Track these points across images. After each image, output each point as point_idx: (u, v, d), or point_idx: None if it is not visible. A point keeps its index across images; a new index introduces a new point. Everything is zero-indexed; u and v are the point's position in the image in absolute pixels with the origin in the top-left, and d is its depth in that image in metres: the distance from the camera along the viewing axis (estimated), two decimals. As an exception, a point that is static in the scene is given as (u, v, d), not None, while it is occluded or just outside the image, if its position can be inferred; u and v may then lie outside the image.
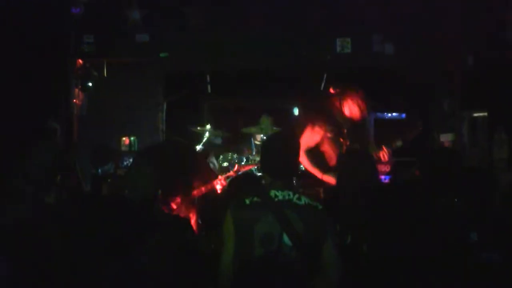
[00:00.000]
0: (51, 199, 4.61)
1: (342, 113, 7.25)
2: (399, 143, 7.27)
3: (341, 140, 7.09)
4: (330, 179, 6.98)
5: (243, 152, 10.28)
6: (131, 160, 9.34)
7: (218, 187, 7.66)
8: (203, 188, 7.48)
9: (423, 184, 5.26)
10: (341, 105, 7.22)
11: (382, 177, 8.92)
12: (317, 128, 7.30)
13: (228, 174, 7.95)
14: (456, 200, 5.08)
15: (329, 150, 7.30)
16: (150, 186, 4.57)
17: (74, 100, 9.41)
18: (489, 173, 5.98)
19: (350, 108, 7.24)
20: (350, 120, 7.21)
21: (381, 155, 7.23)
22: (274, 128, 9.43)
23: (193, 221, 7.29)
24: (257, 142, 9.93)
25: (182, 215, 5.40)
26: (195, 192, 7.40)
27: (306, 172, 7.41)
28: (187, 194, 7.14)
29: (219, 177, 7.74)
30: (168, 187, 6.99)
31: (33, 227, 3.85)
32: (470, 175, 5.26)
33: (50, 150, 4.78)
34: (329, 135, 7.26)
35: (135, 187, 4.53)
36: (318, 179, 7.19)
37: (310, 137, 7.35)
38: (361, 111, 7.26)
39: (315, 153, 7.30)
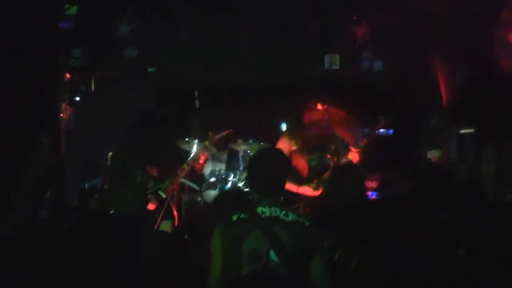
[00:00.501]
0: (44, 214, 4.60)
1: (328, 128, 7.25)
2: (364, 142, 7.25)
3: (328, 156, 7.09)
4: (306, 191, 6.99)
5: (230, 168, 10.27)
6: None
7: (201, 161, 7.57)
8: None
9: (411, 200, 5.26)
10: (328, 121, 7.23)
11: (370, 193, 8.93)
12: (284, 141, 7.32)
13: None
14: (444, 215, 5.09)
15: (299, 162, 7.30)
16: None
17: (62, 115, 9.36)
18: (477, 188, 6.00)
19: (339, 124, 7.25)
20: (336, 136, 7.22)
21: (350, 156, 7.22)
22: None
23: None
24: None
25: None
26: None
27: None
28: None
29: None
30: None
31: (26, 242, 3.83)
32: (459, 190, 5.27)
33: (40, 165, 4.78)
34: (293, 148, 7.27)
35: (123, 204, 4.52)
36: (295, 193, 7.18)
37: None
38: (350, 125, 7.28)
39: None
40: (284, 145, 7.31)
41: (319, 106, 7.35)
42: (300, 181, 7.19)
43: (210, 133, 7.47)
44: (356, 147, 7.21)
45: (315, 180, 7.05)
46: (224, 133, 7.51)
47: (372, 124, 7.45)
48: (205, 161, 7.52)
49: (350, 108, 7.66)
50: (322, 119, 7.25)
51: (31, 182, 4.65)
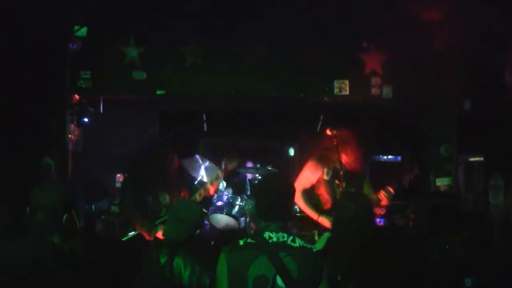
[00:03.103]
0: (56, 238, 4.56)
1: (338, 155, 7.21)
2: (394, 188, 7.24)
3: (337, 182, 7.05)
4: (325, 222, 6.93)
5: (237, 192, 10.23)
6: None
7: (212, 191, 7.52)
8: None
9: (418, 228, 5.22)
10: (337, 147, 7.18)
11: (377, 219, 8.87)
12: (313, 169, 7.26)
13: (211, 179, 7.78)
14: (450, 244, 5.04)
15: (324, 193, 7.26)
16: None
17: (70, 136, 9.35)
18: (485, 218, 5.95)
19: (346, 152, 7.21)
20: (346, 163, 7.17)
21: (380, 197, 7.20)
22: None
23: None
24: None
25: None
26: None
27: (301, 214, 7.35)
28: None
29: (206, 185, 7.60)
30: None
31: (38, 266, 3.80)
32: (467, 219, 5.22)
33: (56, 191, 4.74)
34: (325, 177, 7.21)
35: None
36: (312, 221, 7.13)
37: (307, 178, 7.31)
38: (357, 154, 7.24)
39: (310, 195, 7.24)
40: (314, 170, 7.27)
41: (328, 132, 7.31)
42: (321, 211, 7.13)
43: (223, 163, 7.45)
44: (386, 192, 7.20)
45: None
46: (236, 163, 7.48)
47: (405, 173, 7.44)
48: (216, 191, 7.51)
49: (358, 134, 7.60)
50: (331, 145, 7.20)
51: (46, 207, 4.61)
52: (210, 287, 4.77)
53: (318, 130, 9.28)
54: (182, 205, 5.35)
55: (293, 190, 4.50)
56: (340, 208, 4.84)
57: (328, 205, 7.23)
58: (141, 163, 7.67)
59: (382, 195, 7.18)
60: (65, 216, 4.73)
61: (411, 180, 7.37)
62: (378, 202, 7.25)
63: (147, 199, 7.17)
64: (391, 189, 7.22)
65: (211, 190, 7.42)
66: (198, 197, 7.32)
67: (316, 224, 7.08)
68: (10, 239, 3.63)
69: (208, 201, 9.31)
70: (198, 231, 5.20)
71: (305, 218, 7.23)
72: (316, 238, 6.97)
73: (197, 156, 9.12)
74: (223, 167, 7.43)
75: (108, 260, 3.53)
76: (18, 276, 3.50)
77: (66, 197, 4.81)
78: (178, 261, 4.84)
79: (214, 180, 7.40)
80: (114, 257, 3.58)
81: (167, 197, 7.28)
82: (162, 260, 4.84)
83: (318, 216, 7.04)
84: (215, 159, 8.73)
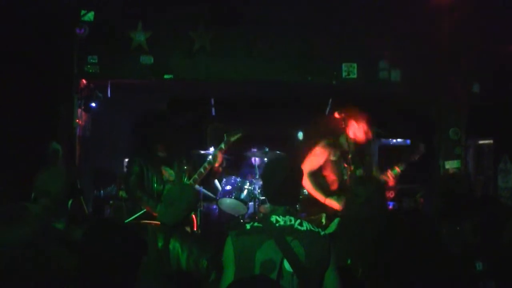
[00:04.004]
0: (62, 224, 4.55)
1: (347, 137, 7.18)
2: (402, 167, 7.18)
3: (345, 165, 7.01)
4: (332, 203, 6.90)
5: (246, 176, 10.23)
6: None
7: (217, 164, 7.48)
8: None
9: (428, 211, 5.20)
10: (346, 129, 7.15)
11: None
12: (321, 151, 7.22)
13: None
14: (460, 228, 5.01)
15: (331, 175, 7.22)
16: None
17: (78, 121, 9.35)
18: (496, 201, 5.91)
19: (355, 132, 7.17)
20: (355, 145, 7.14)
21: (387, 178, 7.15)
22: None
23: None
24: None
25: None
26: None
27: (309, 196, 7.31)
28: None
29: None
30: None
31: (39, 251, 3.78)
32: (478, 203, 5.19)
33: (61, 176, 4.73)
34: (332, 158, 7.17)
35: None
36: (320, 204, 7.09)
37: (314, 160, 7.26)
38: (366, 134, 7.19)
39: (318, 177, 7.21)
40: (322, 152, 7.23)
41: (337, 115, 7.27)
42: (328, 193, 7.09)
43: (225, 134, 7.40)
44: (393, 172, 7.14)
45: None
46: (239, 134, 7.41)
47: (411, 152, 7.38)
48: (221, 164, 7.42)
49: (367, 118, 7.55)
50: (339, 128, 7.16)
51: (51, 192, 4.59)
52: (208, 270, 4.77)
53: (327, 113, 9.28)
54: (175, 188, 5.32)
55: (301, 174, 4.46)
56: (352, 192, 4.81)
57: (334, 186, 7.19)
58: (145, 144, 7.64)
59: (389, 175, 7.12)
60: (70, 202, 4.72)
61: (419, 159, 7.30)
62: (384, 183, 7.18)
63: (151, 178, 7.14)
64: (398, 169, 7.16)
65: (217, 163, 7.35)
66: (203, 171, 7.27)
67: (324, 207, 7.03)
68: (8, 221, 3.61)
69: (211, 183, 9.29)
70: (192, 213, 5.17)
71: (312, 200, 7.18)
72: (323, 221, 6.93)
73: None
74: (225, 139, 7.37)
75: (114, 246, 3.50)
76: (9, 257, 3.48)
77: (71, 182, 4.80)
78: (175, 245, 4.81)
79: (218, 152, 7.34)
80: (121, 243, 3.55)
81: (167, 174, 7.24)
82: (160, 244, 4.81)
83: (325, 198, 6.99)
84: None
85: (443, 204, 5.74)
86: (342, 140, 7.21)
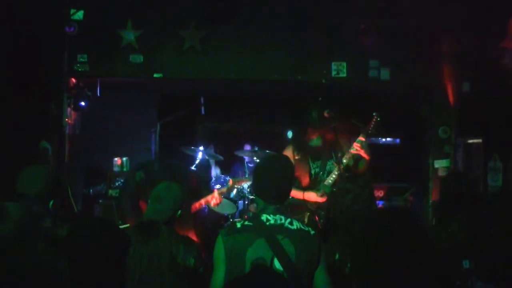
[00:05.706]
0: (48, 222, 4.54)
1: (336, 136, 7.18)
2: (363, 136, 7.12)
3: (335, 164, 7.01)
4: (310, 196, 6.92)
5: (235, 175, 10.24)
6: (122, 181, 9.33)
7: (213, 202, 7.51)
8: (197, 204, 7.33)
9: (416, 209, 5.21)
10: (335, 129, 7.15)
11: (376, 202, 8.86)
12: (288, 150, 7.27)
13: (222, 190, 7.76)
14: (449, 227, 5.03)
15: (300, 170, 7.22)
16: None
17: (67, 119, 9.32)
18: (484, 199, 5.94)
19: (344, 134, 7.18)
20: (344, 144, 7.14)
21: (355, 151, 7.07)
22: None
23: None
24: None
25: (181, 232, 5.31)
26: (192, 207, 7.26)
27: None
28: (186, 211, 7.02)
29: (215, 192, 7.57)
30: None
31: (23, 248, 3.77)
32: (467, 201, 5.21)
33: (43, 174, 4.72)
34: (297, 157, 7.20)
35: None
36: (300, 202, 7.09)
37: None
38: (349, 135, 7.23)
39: None
40: (288, 154, 7.25)
41: (326, 114, 7.27)
42: (303, 188, 7.12)
43: (231, 180, 7.53)
44: (358, 142, 7.09)
45: (319, 187, 6.97)
46: (244, 181, 7.54)
47: (367, 121, 7.32)
48: (217, 205, 7.53)
49: (356, 117, 7.57)
50: (328, 127, 7.15)
51: (33, 192, 4.58)
52: (195, 268, 4.78)
53: (316, 113, 9.26)
54: (162, 186, 5.32)
55: (293, 172, 4.47)
56: (341, 188, 4.83)
57: (306, 181, 7.20)
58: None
59: (356, 147, 7.07)
60: (51, 201, 4.71)
61: (376, 126, 7.22)
62: (358, 157, 7.12)
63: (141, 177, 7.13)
64: (361, 138, 7.12)
65: (216, 201, 7.45)
66: (203, 203, 7.34)
67: (306, 205, 7.04)
68: None
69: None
70: (179, 212, 5.17)
71: (294, 202, 7.20)
72: (305, 220, 6.94)
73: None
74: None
75: (100, 245, 3.50)
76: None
77: (53, 182, 4.79)
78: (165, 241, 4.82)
79: (220, 193, 7.44)
80: (107, 242, 3.54)
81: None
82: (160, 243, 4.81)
83: (303, 193, 7.02)
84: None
85: (442, 204, 5.78)
86: (332, 138, 7.21)
